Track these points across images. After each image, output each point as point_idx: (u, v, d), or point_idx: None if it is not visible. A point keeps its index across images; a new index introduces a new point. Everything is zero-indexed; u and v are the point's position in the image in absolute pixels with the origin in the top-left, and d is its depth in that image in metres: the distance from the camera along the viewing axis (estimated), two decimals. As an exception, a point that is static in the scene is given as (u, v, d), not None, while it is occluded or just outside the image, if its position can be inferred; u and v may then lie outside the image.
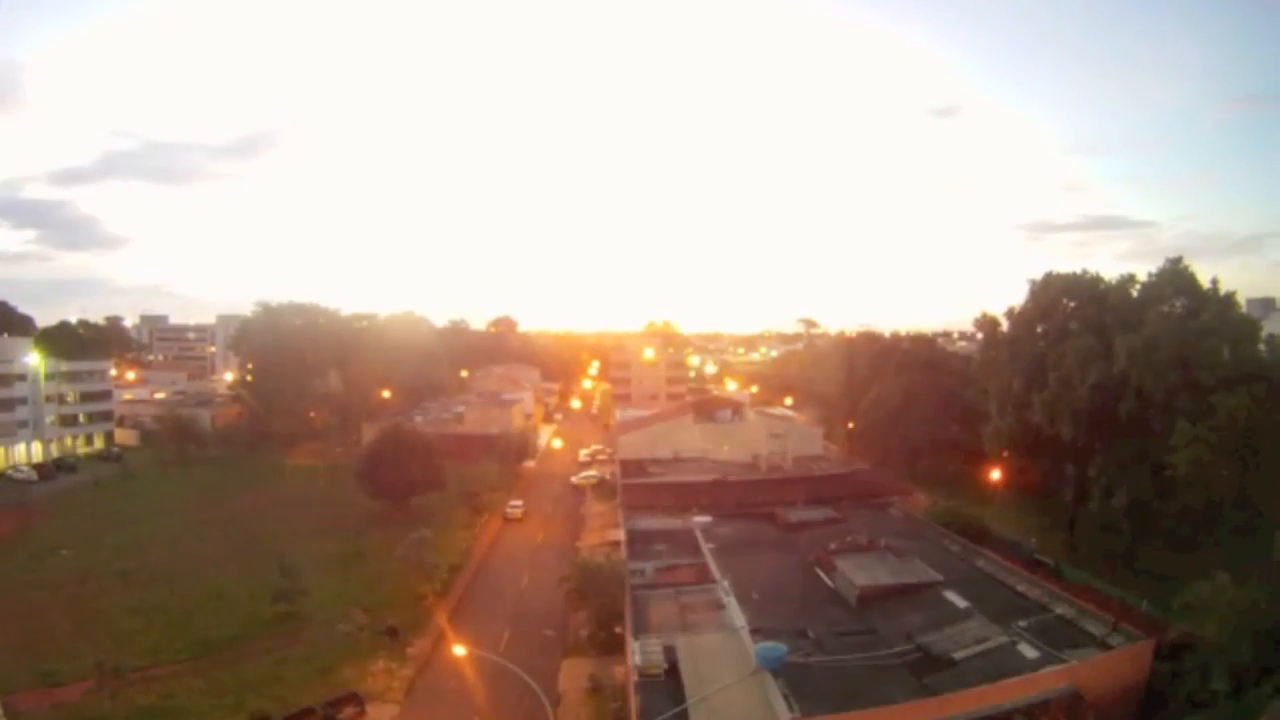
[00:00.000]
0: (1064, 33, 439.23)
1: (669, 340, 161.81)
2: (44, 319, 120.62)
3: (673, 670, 25.11)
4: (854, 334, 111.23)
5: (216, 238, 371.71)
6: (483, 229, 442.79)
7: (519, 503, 62.37)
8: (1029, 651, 25.30)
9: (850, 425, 77.64)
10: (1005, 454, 51.10)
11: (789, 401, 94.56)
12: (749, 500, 49.49)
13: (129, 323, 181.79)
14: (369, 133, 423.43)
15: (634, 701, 24.43)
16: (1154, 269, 45.72)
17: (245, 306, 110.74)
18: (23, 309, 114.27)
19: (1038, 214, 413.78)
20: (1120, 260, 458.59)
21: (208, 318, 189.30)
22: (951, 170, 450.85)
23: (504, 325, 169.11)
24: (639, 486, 52.63)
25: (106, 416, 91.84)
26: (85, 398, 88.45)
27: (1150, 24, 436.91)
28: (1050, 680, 23.74)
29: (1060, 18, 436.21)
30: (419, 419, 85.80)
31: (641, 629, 28.86)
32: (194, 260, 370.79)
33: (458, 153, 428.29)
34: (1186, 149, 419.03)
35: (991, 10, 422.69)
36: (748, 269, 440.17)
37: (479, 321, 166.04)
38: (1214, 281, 43.67)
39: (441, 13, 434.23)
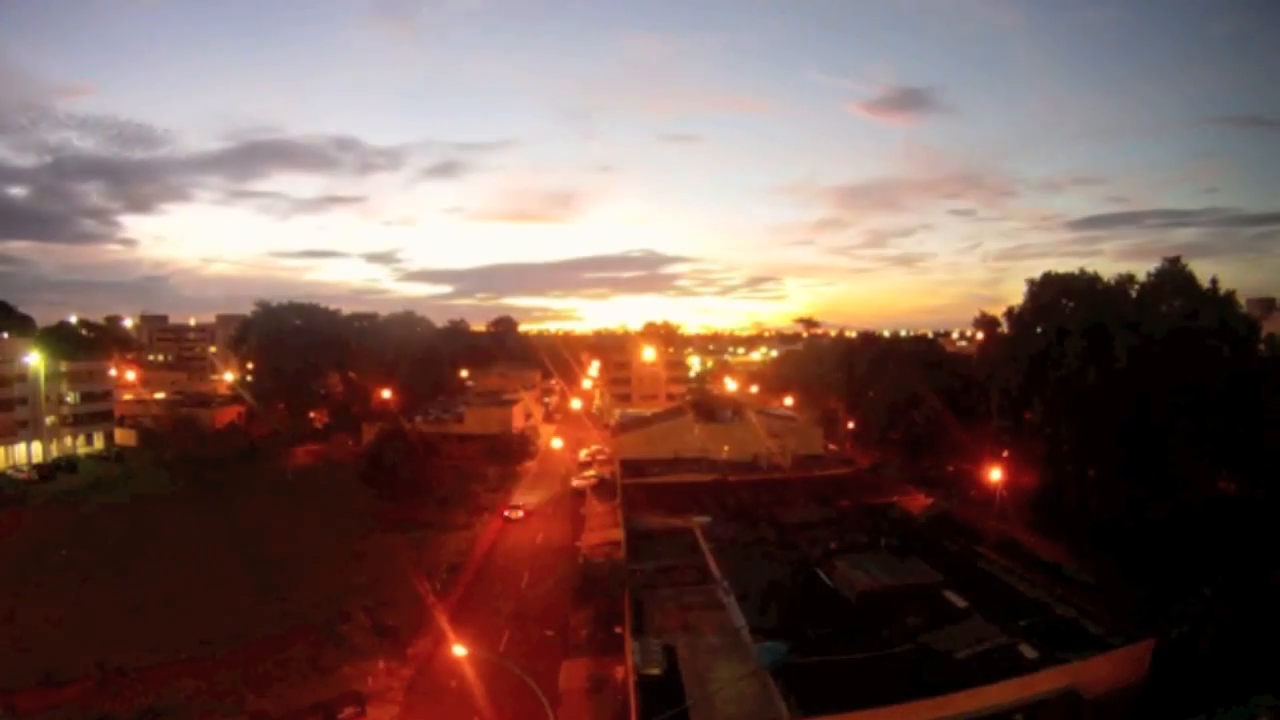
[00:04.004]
0: (1070, 26, 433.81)
1: (669, 340, 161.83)
2: (44, 319, 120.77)
3: (673, 670, 25.12)
4: (854, 334, 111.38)
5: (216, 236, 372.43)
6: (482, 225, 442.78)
7: (519, 504, 62.19)
8: (1029, 651, 25.29)
9: (850, 425, 77.65)
10: (1005, 454, 51.04)
11: (789, 401, 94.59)
12: (749, 500, 49.49)
13: (129, 323, 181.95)
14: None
15: (634, 701, 24.45)
16: (1153, 268, 45.83)
17: (245, 306, 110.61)
18: (22, 309, 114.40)
19: (1045, 209, 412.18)
20: (1124, 257, 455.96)
21: (208, 318, 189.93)
22: (951, 162, 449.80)
23: (504, 325, 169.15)
24: (639, 486, 52.64)
25: (106, 416, 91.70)
26: (85, 398, 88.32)
27: (1158, 23, 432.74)
28: (1050, 680, 23.75)
29: (1067, 9, 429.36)
30: (419, 419, 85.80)
31: (641, 629, 28.87)
32: (196, 259, 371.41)
33: (451, 141, 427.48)
34: (1193, 145, 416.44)
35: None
36: (748, 266, 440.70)
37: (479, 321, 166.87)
38: (1213, 281, 43.76)
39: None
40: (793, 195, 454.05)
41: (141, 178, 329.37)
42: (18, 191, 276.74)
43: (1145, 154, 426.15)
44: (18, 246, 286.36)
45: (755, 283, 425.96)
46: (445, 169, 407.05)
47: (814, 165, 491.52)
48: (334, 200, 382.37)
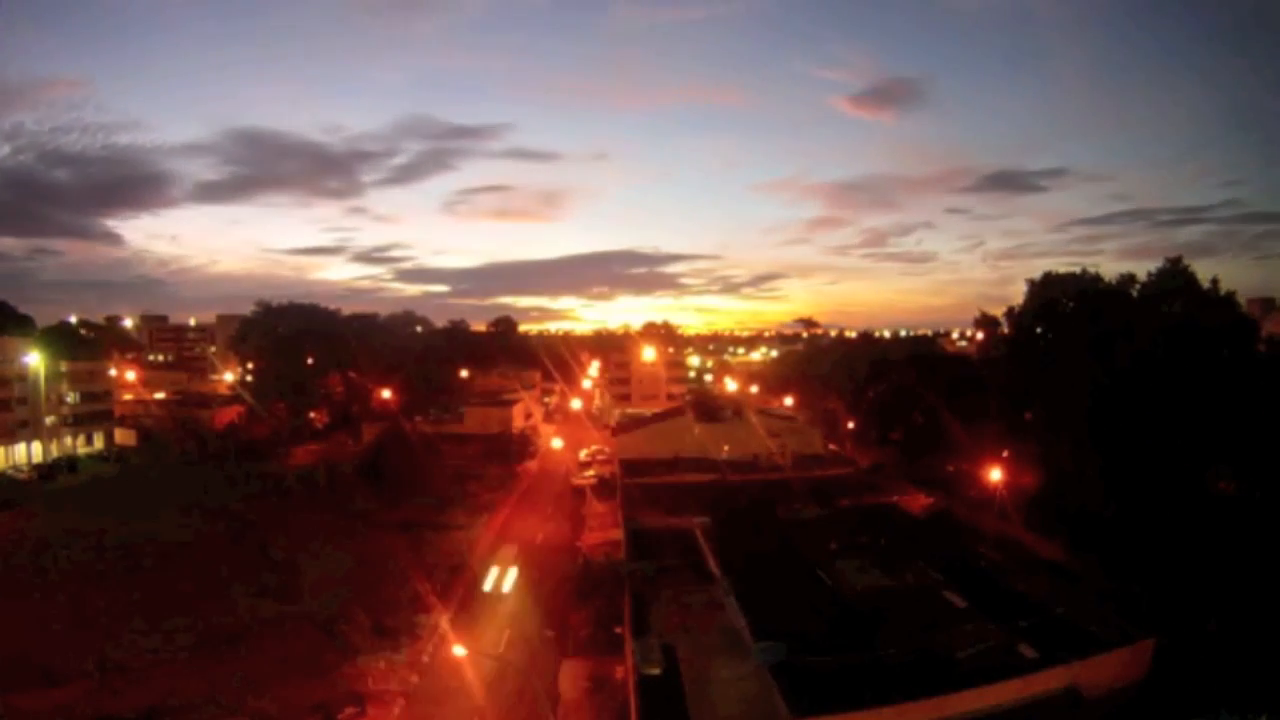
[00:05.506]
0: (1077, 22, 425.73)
1: (669, 340, 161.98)
2: (44, 319, 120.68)
3: (673, 670, 25.14)
4: (854, 334, 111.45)
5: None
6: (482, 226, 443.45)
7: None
8: (1029, 651, 25.31)
9: (850, 425, 77.63)
10: (1005, 454, 51.10)
11: (789, 401, 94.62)
12: (749, 500, 49.52)
13: (129, 323, 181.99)
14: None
15: (634, 701, 24.46)
16: (1154, 267, 45.98)
17: (245, 306, 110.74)
18: (22, 309, 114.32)
19: (1049, 207, 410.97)
20: (1134, 255, 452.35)
21: (208, 318, 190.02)
22: (949, 158, 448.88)
23: (504, 325, 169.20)
24: (639, 486, 52.66)
25: (106, 416, 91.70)
26: (85, 398, 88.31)
27: (1166, 8, 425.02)
28: (1050, 680, 23.77)
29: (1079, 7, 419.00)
30: (419, 419, 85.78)
31: (641, 629, 28.90)
32: (195, 259, 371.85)
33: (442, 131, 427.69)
34: (1206, 139, 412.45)
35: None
36: (747, 265, 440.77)
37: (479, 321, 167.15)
38: (1214, 281, 43.91)
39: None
40: (784, 193, 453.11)
41: (137, 175, 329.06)
42: (12, 189, 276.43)
43: (1154, 148, 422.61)
44: (15, 245, 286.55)
45: (755, 282, 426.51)
46: (442, 164, 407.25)
47: (804, 162, 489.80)
48: (332, 197, 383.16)
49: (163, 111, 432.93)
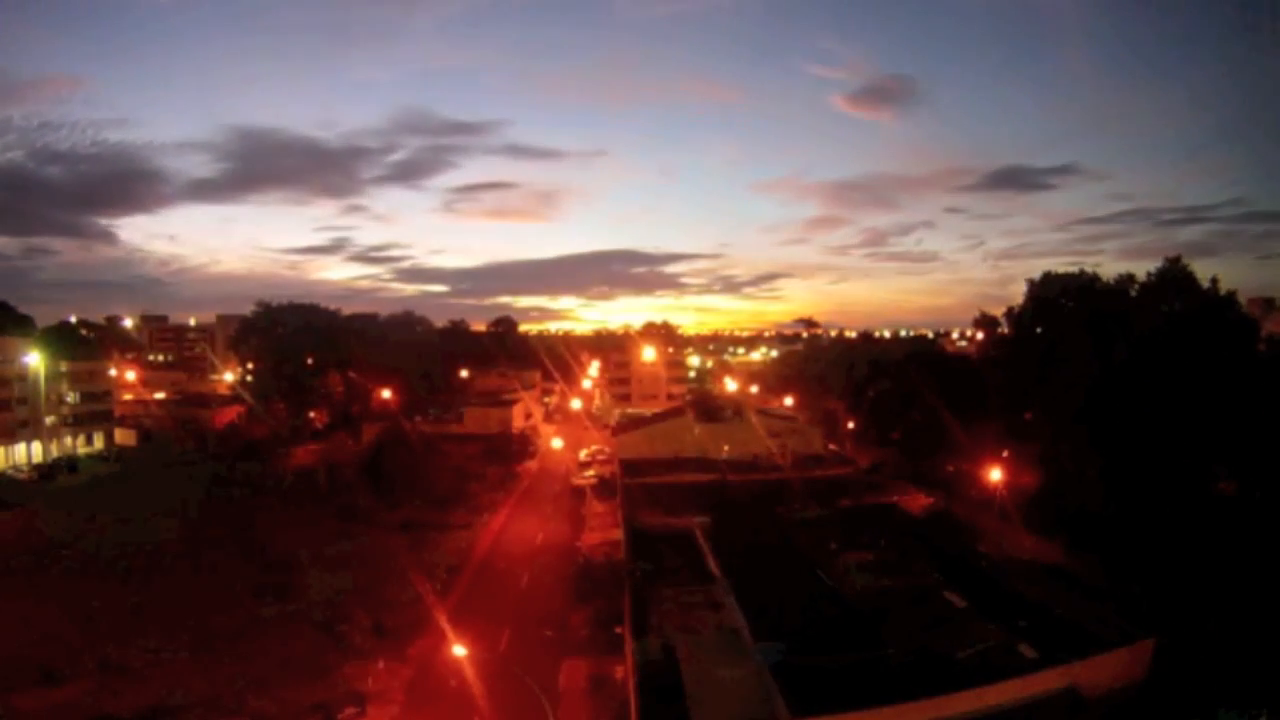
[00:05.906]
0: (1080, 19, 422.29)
1: (669, 340, 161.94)
2: (44, 319, 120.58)
3: (673, 670, 25.13)
4: (854, 334, 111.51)
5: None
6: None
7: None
8: (1029, 651, 25.29)
9: (850, 425, 77.64)
10: (1005, 454, 51.11)
11: (789, 401, 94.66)
12: (749, 500, 49.52)
13: (129, 323, 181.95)
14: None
15: (634, 701, 24.48)
16: (1153, 267, 45.95)
17: (245, 306, 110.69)
18: (22, 309, 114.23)
19: (1051, 206, 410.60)
20: (1137, 254, 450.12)
21: (208, 318, 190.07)
22: (948, 156, 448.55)
23: (504, 325, 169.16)
24: (639, 486, 52.64)
25: (106, 416, 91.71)
26: (85, 398, 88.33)
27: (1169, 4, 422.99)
28: (1049, 680, 23.76)
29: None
30: (419, 419, 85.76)
31: (641, 629, 28.89)
32: (196, 259, 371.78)
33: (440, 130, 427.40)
34: (1212, 136, 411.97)
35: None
36: (747, 264, 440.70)
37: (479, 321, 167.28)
38: (1214, 281, 43.87)
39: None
40: (784, 192, 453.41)
41: (130, 172, 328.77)
42: (10, 189, 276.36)
43: (1156, 148, 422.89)
44: (10, 244, 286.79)
45: (755, 282, 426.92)
46: (440, 160, 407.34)
47: (803, 160, 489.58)
48: (330, 195, 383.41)
49: (154, 108, 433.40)
